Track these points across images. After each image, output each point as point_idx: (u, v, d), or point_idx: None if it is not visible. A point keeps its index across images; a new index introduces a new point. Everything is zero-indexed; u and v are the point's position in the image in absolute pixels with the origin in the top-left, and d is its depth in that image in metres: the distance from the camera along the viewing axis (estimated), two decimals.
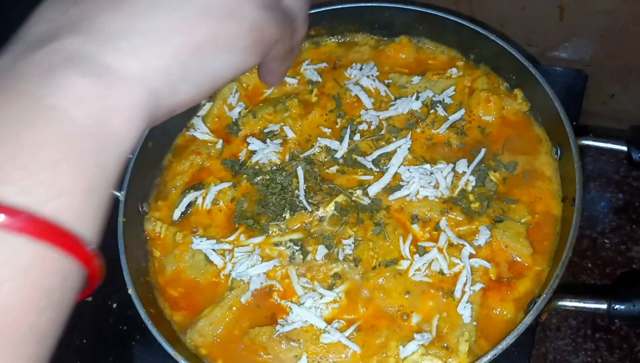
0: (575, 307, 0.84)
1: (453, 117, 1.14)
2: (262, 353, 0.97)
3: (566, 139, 0.98)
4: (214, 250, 1.08)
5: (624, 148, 0.93)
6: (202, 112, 1.31)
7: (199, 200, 1.17)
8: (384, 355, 0.92)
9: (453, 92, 1.18)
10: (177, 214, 1.17)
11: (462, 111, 1.14)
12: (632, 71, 1.50)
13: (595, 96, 1.53)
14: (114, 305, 1.30)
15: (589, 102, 1.42)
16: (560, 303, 0.84)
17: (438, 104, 1.16)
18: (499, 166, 1.07)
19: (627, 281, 1.10)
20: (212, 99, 1.32)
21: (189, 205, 1.18)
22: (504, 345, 0.81)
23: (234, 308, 1.02)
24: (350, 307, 0.99)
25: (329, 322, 0.96)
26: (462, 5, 1.37)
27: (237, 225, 1.12)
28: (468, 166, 1.06)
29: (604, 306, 0.81)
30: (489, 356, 0.81)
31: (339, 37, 1.36)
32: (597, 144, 0.96)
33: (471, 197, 1.05)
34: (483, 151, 1.07)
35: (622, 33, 1.41)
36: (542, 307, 0.83)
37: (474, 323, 0.91)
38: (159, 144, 1.25)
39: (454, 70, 1.22)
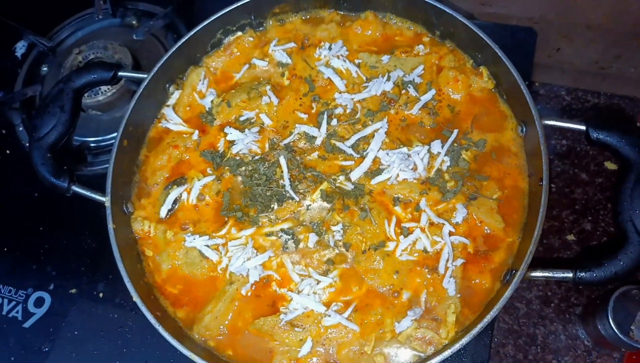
0: (546, 277, 0.96)
1: (424, 98, 1.19)
2: (269, 341, 1.05)
3: (531, 118, 1.06)
4: (207, 246, 1.12)
5: (583, 128, 1.03)
6: (171, 101, 1.29)
7: (184, 196, 1.18)
8: (381, 331, 1.02)
9: (422, 71, 1.22)
10: (163, 211, 1.18)
11: (433, 91, 1.19)
12: (577, 26, 1.60)
13: (543, 50, 1.63)
14: (101, 295, 1.33)
15: (537, 55, 1.51)
16: (533, 274, 0.97)
17: (409, 85, 1.21)
18: (470, 145, 1.15)
19: (589, 252, 1.25)
20: (180, 86, 1.30)
21: (175, 201, 1.19)
22: (489, 317, 0.93)
23: (236, 301, 1.08)
24: (345, 289, 1.07)
25: (327, 305, 1.05)
26: None
27: (226, 218, 1.16)
28: (442, 147, 1.13)
29: (570, 275, 0.94)
30: (477, 328, 0.93)
31: (304, 14, 1.34)
32: (559, 124, 1.05)
33: (446, 176, 1.13)
34: (455, 131, 1.14)
35: None
36: (519, 280, 0.95)
37: (458, 295, 1.03)
38: (133, 139, 1.23)
39: (421, 47, 1.25)
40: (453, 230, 1.07)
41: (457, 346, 0.94)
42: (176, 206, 1.19)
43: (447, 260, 1.05)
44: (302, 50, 1.30)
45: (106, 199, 1.11)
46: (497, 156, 1.14)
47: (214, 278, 1.12)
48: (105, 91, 1.50)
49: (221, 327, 1.07)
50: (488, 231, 1.07)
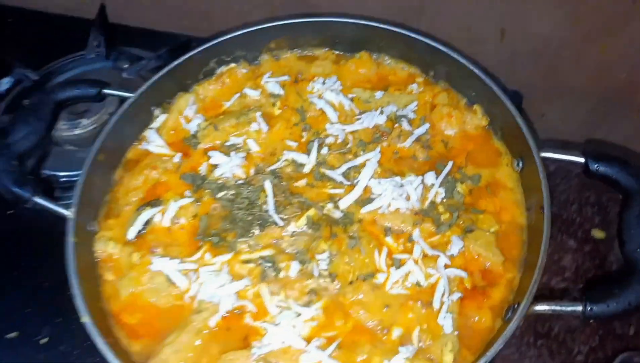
0: (553, 311, 0.86)
1: (418, 132, 1.16)
2: None
3: (529, 151, 1.03)
4: (177, 270, 1.00)
5: (581, 160, 0.99)
6: (155, 124, 1.23)
7: (157, 217, 1.09)
8: None
9: (416, 107, 1.20)
10: (132, 233, 1.07)
11: (427, 126, 1.16)
12: (562, 91, 1.63)
13: (528, 115, 1.65)
14: (43, 341, 1.17)
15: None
16: (538, 308, 0.87)
17: (402, 118, 1.18)
18: (465, 178, 1.09)
19: (598, 282, 1.16)
20: (166, 110, 1.25)
21: (146, 223, 1.09)
22: (493, 351, 0.81)
23: (202, 333, 0.95)
24: (328, 323, 0.95)
25: (307, 340, 0.92)
26: (411, 24, 1.41)
27: (201, 243, 1.05)
28: (436, 179, 1.08)
29: (579, 308, 0.85)
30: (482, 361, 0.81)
31: (299, 51, 1.34)
32: (557, 156, 1.01)
33: (441, 208, 1.06)
34: (450, 163, 1.09)
35: (554, 56, 1.53)
36: (524, 313, 0.85)
37: (455, 332, 0.91)
38: (110, 157, 1.15)
39: (415, 86, 1.25)
40: (449, 262, 0.98)
41: None
42: (147, 229, 1.08)
43: (443, 294, 0.95)
44: (296, 83, 1.28)
45: (71, 211, 1.01)
46: (492, 191, 1.09)
47: (179, 307, 0.99)
48: (85, 124, 1.45)
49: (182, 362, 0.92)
50: (486, 266, 0.99)
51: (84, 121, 1.46)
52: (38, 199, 1.04)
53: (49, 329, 1.18)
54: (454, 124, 1.16)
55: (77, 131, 1.44)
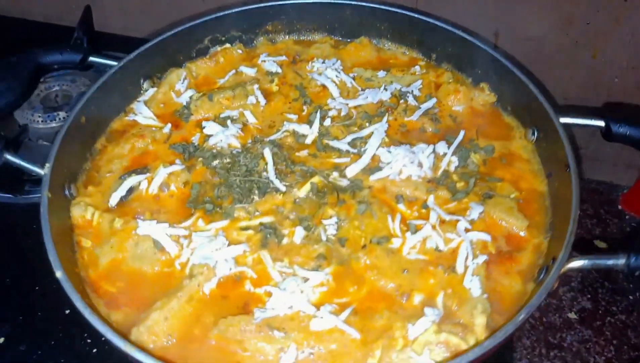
0: (593, 265, 0.78)
1: (425, 106, 1.10)
2: (238, 350, 0.77)
3: (545, 119, 0.98)
4: (166, 234, 0.88)
5: (602, 123, 0.95)
6: (144, 98, 1.14)
7: (143, 184, 0.97)
8: (389, 337, 0.77)
9: (420, 85, 1.16)
10: (114, 199, 0.95)
11: (434, 100, 1.11)
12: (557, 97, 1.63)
13: None
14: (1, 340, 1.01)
15: None
16: (574, 264, 0.78)
17: (408, 94, 1.13)
18: (477, 149, 1.04)
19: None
20: (156, 84, 1.17)
21: (130, 191, 0.97)
22: (525, 313, 0.71)
23: (195, 301, 0.82)
24: (340, 290, 0.84)
25: (317, 307, 0.80)
26: None
27: (193, 210, 0.94)
28: (448, 148, 1.02)
29: (622, 261, 0.77)
30: (523, 314, 0.71)
31: (297, 35, 1.30)
32: (576, 121, 0.97)
33: (455, 177, 0.99)
34: (462, 132, 1.04)
35: (548, 58, 1.54)
36: (561, 267, 0.76)
37: (485, 295, 0.81)
38: (93, 123, 1.05)
39: (417, 68, 1.21)
40: (469, 227, 0.90)
41: (488, 343, 0.70)
42: (131, 196, 0.97)
43: (466, 258, 0.86)
44: (294, 64, 1.23)
45: (46, 166, 0.89)
46: (508, 162, 1.03)
47: (168, 274, 0.86)
48: (62, 118, 1.35)
49: (170, 332, 0.78)
50: (512, 230, 0.91)
51: (61, 114, 1.36)
52: (9, 157, 0.92)
53: (8, 327, 1.03)
54: (461, 100, 1.12)
55: (53, 125, 1.34)
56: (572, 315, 1.31)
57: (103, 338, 0.70)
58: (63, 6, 1.64)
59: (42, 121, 1.37)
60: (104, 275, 0.86)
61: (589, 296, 1.35)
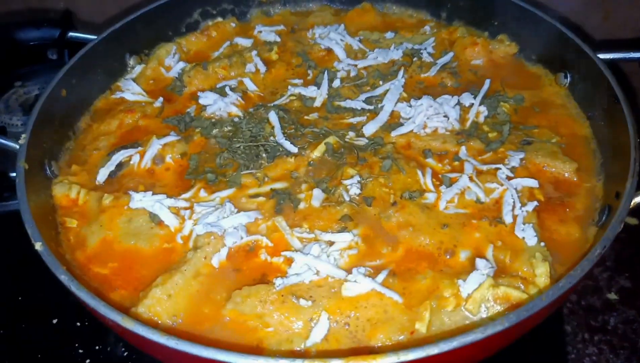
0: None
1: (442, 61, 1.01)
2: (259, 325, 0.63)
3: (581, 58, 0.89)
4: (164, 205, 0.76)
5: None
6: (131, 75, 1.04)
7: (135, 159, 0.85)
8: (437, 297, 0.64)
9: (434, 43, 1.06)
10: (102, 175, 0.83)
11: (451, 54, 1.02)
12: None
13: None
14: None
15: None
16: None
17: (422, 51, 1.03)
18: (506, 99, 0.93)
19: None
20: (143, 61, 1.06)
21: (120, 166, 0.85)
22: (597, 252, 0.59)
23: (202, 275, 0.69)
24: (372, 252, 0.71)
25: (347, 271, 0.68)
26: None
27: (193, 181, 0.82)
28: (474, 99, 0.91)
29: None
30: (599, 249, 0.59)
31: (293, 6, 1.21)
32: (615, 56, 0.87)
33: (485, 128, 0.89)
34: (488, 81, 0.94)
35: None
36: (631, 198, 0.65)
37: (542, 244, 0.70)
38: (75, 99, 0.93)
39: (427, 28, 1.11)
40: (511, 174, 0.79)
41: (564, 283, 0.58)
42: (121, 171, 0.85)
43: (513, 207, 0.74)
44: (293, 33, 1.13)
45: (22, 137, 0.77)
46: (541, 109, 0.92)
47: (168, 250, 0.74)
48: None
49: (175, 312, 0.65)
50: (559, 174, 0.80)
51: None
52: None
53: None
54: (480, 53, 1.02)
55: None
56: (612, 296, 1.19)
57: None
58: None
59: (21, 125, 1.26)
60: (94, 256, 0.73)
61: (627, 274, 1.23)
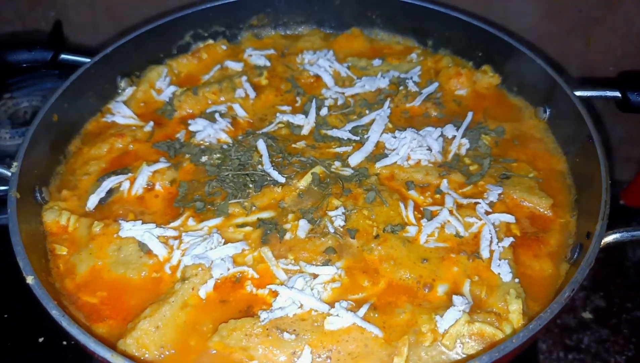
0: (632, 237, 0.70)
1: (427, 90, 1.04)
2: (243, 358, 0.66)
3: (559, 93, 0.92)
4: (153, 235, 0.78)
5: (618, 94, 0.89)
6: (122, 98, 1.05)
7: (125, 185, 0.87)
8: (416, 332, 0.67)
9: (419, 72, 1.09)
10: (92, 201, 0.85)
11: (436, 84, 1.05)
12: None
13: None
14: None
15: None
16: (612, 237, 0.70)
17: (408, 80, 1.06)
18: (488, 131, 0.96)
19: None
20: (134, 83, 1.08)
21: (110, 192, 0.87)
22: (569, 290, 0.63)
23: (190, 307, 0.71)
24: (354, 285, 0.74)
25: (331, 305, 0.70)
26: None
27: (182, 209, 0.84)
28: (457, 131, 0.94)
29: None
30: (567, 292, 0.62)
31: (283, 29, 1.23)
32: (591, 94, 0.91)
33: (467, 160, 0.92)
34: (470, 113, 0.97)
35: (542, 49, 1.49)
36: (601, 239, 0.68)
37: (516, 280, 0.73)
38: (66, 123, 0.95)
39: (414, 55, 1.14)
40: (489, 209, 0.82)
41: (534, 325, 0.61)
42: (111, 198, 0.86)
43: (491, 242, 0.77)
44: (283, 57, 1.15)
45: (14, 165, 0.79)
46: (520, 142, 0.96)
47: (157, 280, 0.76)
48: None
49: (162, 343, 0.67)
50: (535, 210, 0.83)
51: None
52: None
53: None
54: (464, 83, 1.05)
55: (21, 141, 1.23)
56: (586, 315, 1.24)
57: None
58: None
59: (9, 138, 1.27)
60: (83, 284, 0.75)
61: (602, 293, 1.27)
